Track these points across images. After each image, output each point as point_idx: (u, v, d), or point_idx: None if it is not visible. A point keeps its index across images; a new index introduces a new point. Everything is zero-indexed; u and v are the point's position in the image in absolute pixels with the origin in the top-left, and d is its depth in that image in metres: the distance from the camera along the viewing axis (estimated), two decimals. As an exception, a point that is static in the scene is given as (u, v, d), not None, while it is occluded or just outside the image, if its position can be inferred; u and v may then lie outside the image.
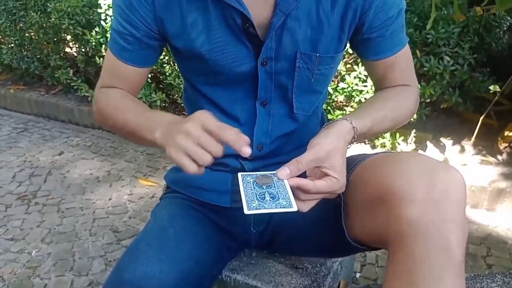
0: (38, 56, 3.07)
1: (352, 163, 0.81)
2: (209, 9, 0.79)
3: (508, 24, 2.17)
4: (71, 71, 2.88)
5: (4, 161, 2.46)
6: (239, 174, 0.74)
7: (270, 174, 0.73)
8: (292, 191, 0.70)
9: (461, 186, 0.64)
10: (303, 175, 0.72)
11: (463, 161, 2.13)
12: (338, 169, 0.71)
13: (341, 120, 0.76)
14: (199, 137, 0.65)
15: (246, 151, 0.64)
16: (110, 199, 2.09)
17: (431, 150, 2.22)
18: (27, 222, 1.92)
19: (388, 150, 2.21)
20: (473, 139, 2.20)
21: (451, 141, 2.27)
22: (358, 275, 1.61)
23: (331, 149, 0.71)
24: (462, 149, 2.24)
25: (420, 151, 2.20)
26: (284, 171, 0.70)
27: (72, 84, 2.87)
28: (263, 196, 0.68)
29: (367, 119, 0.79)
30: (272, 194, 0.68)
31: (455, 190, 0.63)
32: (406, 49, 0.91)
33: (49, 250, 1.74)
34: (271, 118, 0.89)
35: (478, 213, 1.97)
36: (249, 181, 0.72)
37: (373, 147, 2.28)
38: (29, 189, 2.19)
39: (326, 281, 0.99)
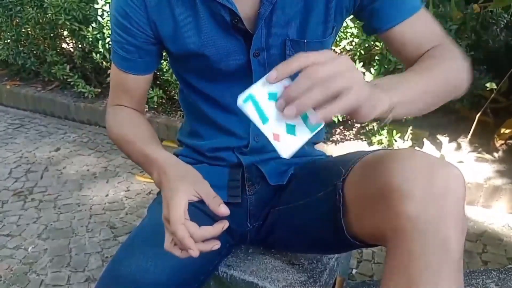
0: (35, 52, 3.06)
1: (351, 160, 0.81)
2: (198, 7, 0.80)
3: (505, 21, 2.18)
4: (68, 67, 2.87)
5: (0, 157, 2.45)
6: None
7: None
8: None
9: (460, 182, 0.64)
10: None
11: (459, 158, 2.14)
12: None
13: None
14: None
15: (222, 210, 0.71)
16: (107, 195, 2.09)
17: (428, 147, 2.23)
18: (23, 218, 1.91)
19: (385, 147, 2.21)
20: (469, 136, 2.21)
21: (447, 138, 2.28)
22: (354, 271, 1.62)
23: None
24: (459, 146, 2.24)
25: (416, 148, 2.21)
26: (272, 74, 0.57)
27: (68, 80, 2.86)
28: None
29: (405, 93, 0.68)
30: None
31: (454, 187, 0.63)
32: (423, 11, 0.82)
33: (46, 246, 1.74)
34: None
35: (474, 210, 1.98)
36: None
37: (370, 144, 2.29)
38: (26, 185, 2.18)
39: (323, 277, 0.99)
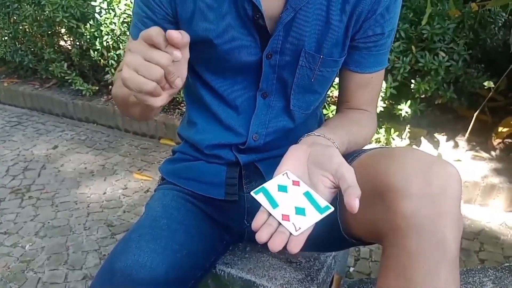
0: (32, 49, 3.05)
1: (348, 157, 0.81)
2: None
3: (503, 20, 2.18)
4: (66, 65, 2.87)
5: (-2, 155, 2.45)
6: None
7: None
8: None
9: (457, 181, 0.64)
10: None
11: (456, 157, 2.14)
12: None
13: (320, 137, 0.77)
14: (145, 52, 0.59)
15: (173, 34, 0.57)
16: (104, 193, 2.09)
17: (425, 146, 2.23)
18: (20, 216, 1.91)
19: (383, 145, 2.21)
20: (467, 135, 2.21)
21: (445, 137, 2.28)
22: (351, 269, 1.62)
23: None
24: (456, 145, 2.25)
25: (414, 147, 2.21)
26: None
27: (66, 77, 2.86)
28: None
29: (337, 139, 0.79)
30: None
31: (451, 186, 0.63)
32: (382, 72, 0.92)
33: (43, 244, 1.74)
34: (269, 110, 0.90)
35: (471, 208, 1.98)
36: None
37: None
38: (23, 183, 2.18)
39: (320, 275, 0.99)
